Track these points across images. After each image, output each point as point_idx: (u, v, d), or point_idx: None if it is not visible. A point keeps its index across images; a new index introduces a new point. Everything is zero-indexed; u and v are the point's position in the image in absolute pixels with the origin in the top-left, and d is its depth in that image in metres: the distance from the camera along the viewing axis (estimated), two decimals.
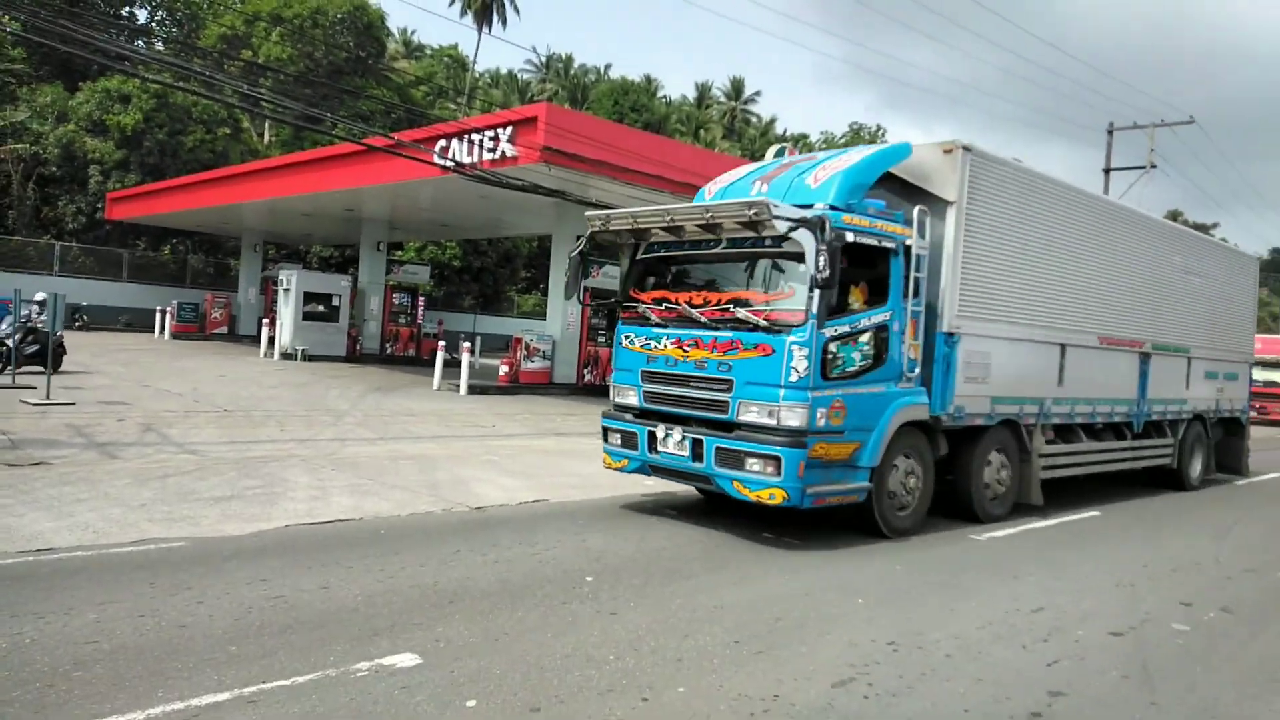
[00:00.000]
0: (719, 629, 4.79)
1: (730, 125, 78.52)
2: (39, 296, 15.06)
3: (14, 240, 32.59)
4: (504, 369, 19.74)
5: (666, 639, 4.57)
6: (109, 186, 32.47)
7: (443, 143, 17.23)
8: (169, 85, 30.50)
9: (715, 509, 8.51)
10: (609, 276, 21.22)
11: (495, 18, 49.93)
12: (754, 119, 79.56)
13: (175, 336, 29.99)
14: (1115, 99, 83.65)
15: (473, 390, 18.62)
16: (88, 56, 23.58)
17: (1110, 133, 28.61)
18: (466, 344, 19.11)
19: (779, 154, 19.63)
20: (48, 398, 12.29)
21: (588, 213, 8.74)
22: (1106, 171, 28.62)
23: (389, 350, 27.40)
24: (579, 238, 21.05)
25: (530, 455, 11.52)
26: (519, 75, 78.03)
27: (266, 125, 42.35)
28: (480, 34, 48.80)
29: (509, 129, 15.89)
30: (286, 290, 24.82)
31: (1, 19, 33.25)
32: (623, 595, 5.35)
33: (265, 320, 25.61)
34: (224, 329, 32.09)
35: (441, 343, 20.29)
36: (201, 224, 33.08)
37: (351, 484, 8.57)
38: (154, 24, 43.69)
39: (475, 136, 16.50)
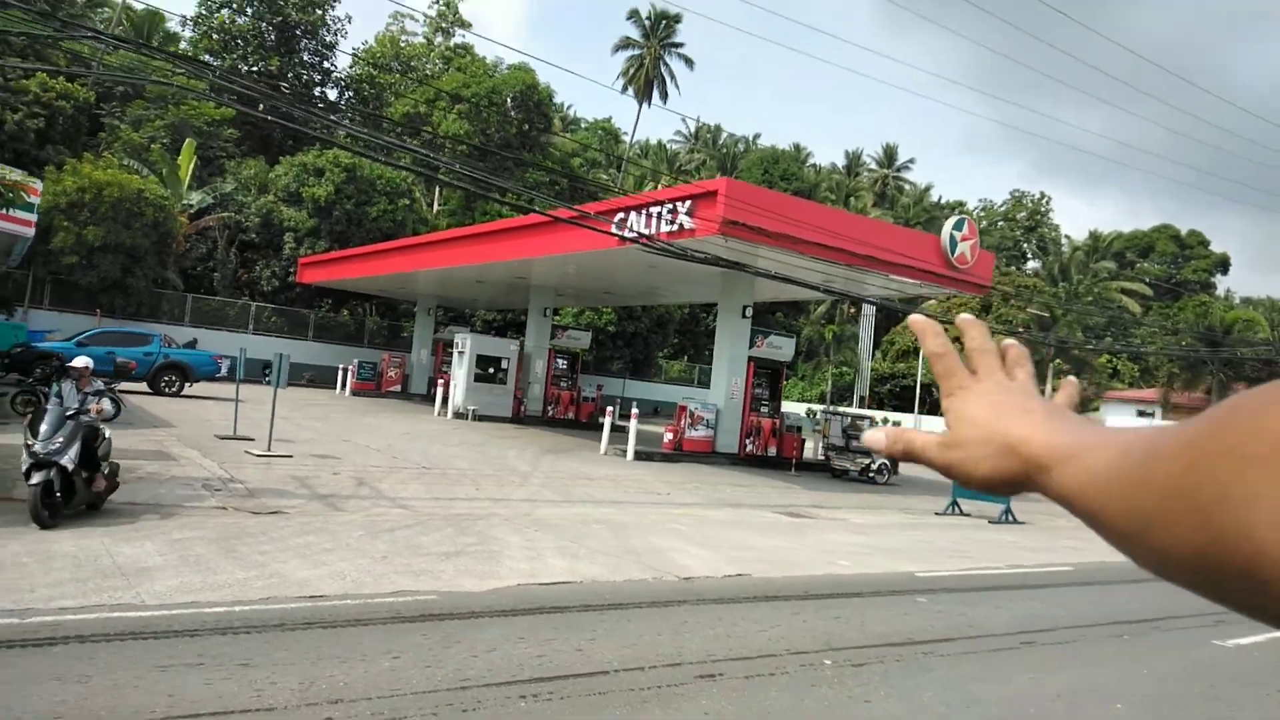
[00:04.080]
0: None
1: (882, 193, 77.82)
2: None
3: (214, 300, 35.88)
4: (668, 436, 19.97)
5: None
6: (301, 252, 35.39)
7: (621, 215, 17.95)
8: (359, 153, 33.25)
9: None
10: (773, 347, 21.26)
11: (655, 93, 51.78)
12: (907, 186, 78.54)
13: (355, 393, 31.98)
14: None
15: (638, 456, 18.92)
16: (298, 129, 25.92)
17: None
18: (635, 410, 19.49)
19: (958, 226, 19.32)
20: (269, 449, 13.38)
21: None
22: None
23: (550, 413, 28.24)
24: (745, 308, 21.20)
25: (711, 526, 11.57)
26: (668, 145, 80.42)
27: (436, 196, 45.28)
28: (640, 109, 50.65)
29: (688, 203, 16.39)
30: (461, 353, 26.12)
31: (222, 103, 37.32)
32: (868, 682, 5.29)
33: (439, 380, 27.00)
34: (398, 387, 33.99)
35: (610, 409, 20.77)
36: (381, 288, 35.43)
37: (558, 546, 8.87)
38: (343, 103, 47.84)
39: (655, 209, 17.10)
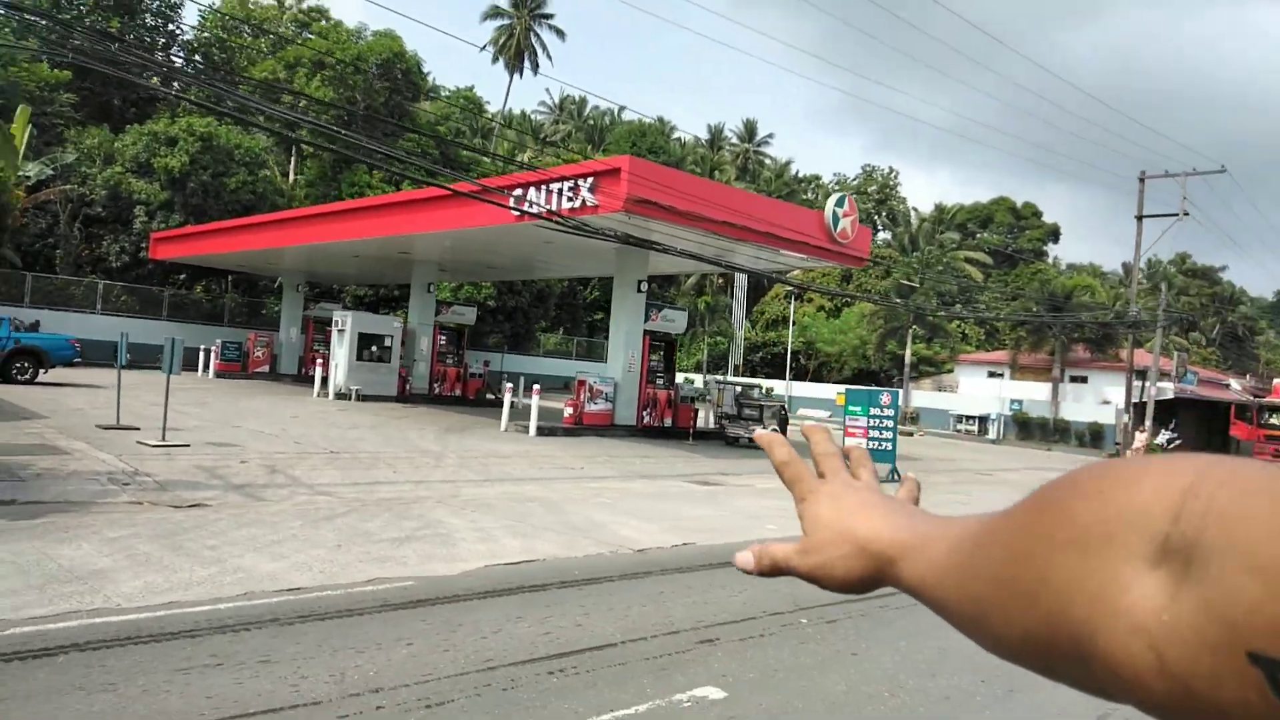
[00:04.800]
0: (958, 669, 5.17)
1: (744, 166, 79.72)
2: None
3: (59, 279, 33.12)
4: (568, 410, 20.13)
5: (920, 680, 4.96)
6: (153, 226, 33.10)
7: (520, 190, 17.85)
8: (213, 111, 31.32)
9: None
10: (667, 320, 21.72)
11: (527, 64, 51.03)
12: (767, 160, 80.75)
13: (219, 375, 30.41)
14: (1115, 140, 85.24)
15: (540, 431, 19.01)
16: (144, 85, 24.25)
17: (1142, 180, 29.39)
18: (537, 387, 19.53)
19: (839, 203, 20.22)
20: (164, 439, 12.68)
21: None
22: (1139, 219, 29.34)
23: (437, 390, 27.80)
24: (640, 282, 21.52)
25: (634, 499, 11.90)
26: (532, 116, 79.44)
27: (291, 165, 43.20)
28: (511, 80, 49.84)
29: (590, 179, 16.50)
30: (341, 331, 25.29)
31: (57, 66, 34.19)
32: (847, 637, 5.73)
33: (319, 360, 26.08)
34: (265, 368, 32.53)
35: (509, 385, 20.71)
36: (243, 264, 33.68)
37: (504, 526, 8.96)
38: (190, 68, 44.74)
39: (556, 185, 17.10)
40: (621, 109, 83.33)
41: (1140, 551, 0.36)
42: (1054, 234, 78.97)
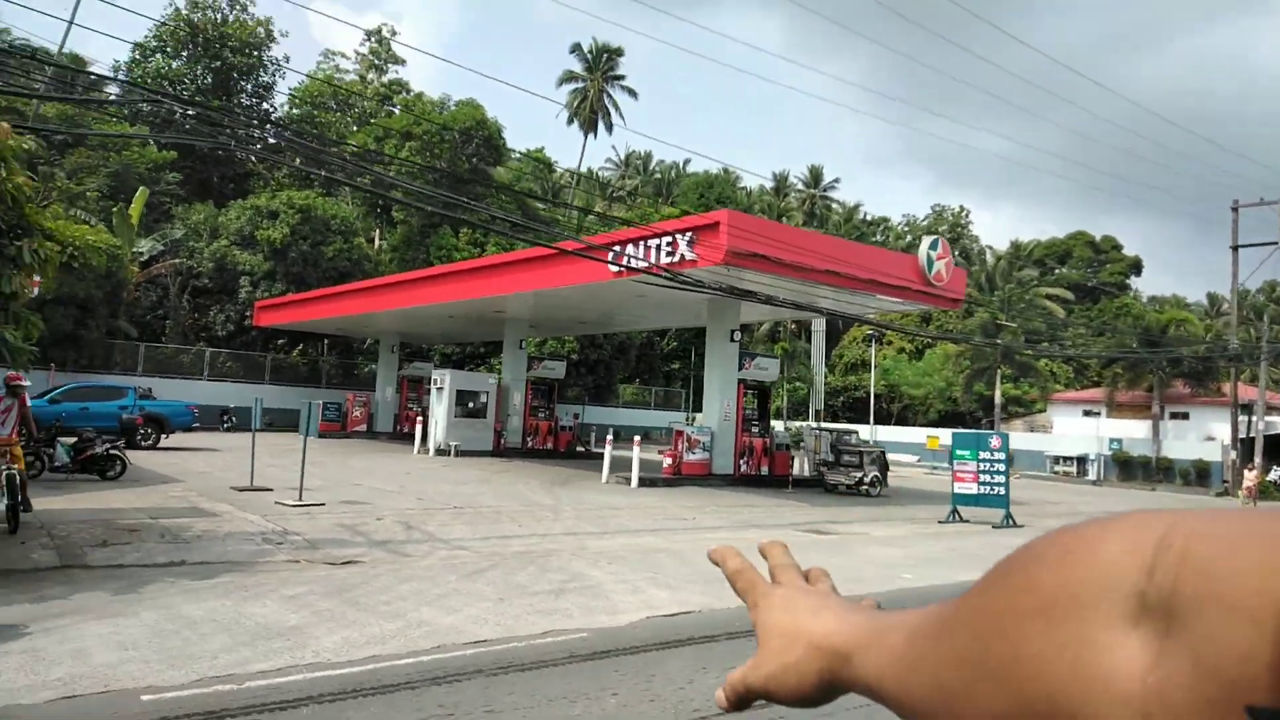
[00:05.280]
0: None
1: (811, 211, 79.93)
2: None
3: (168, 348, 34.89)
4: (667, 461, 20.32)
5: None
6: (257, 295, 34.73)
7: (618, 247, 18.33)
8: (313, 171, 32.87)
9: None
10: (760, 368, 21.84)
11: (600, 124, 52.48)
12: (835, 205, 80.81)
13: (321, 435, 31.45)
14: (1192, 167, 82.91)
15: (641, 483, 19.20)
16: (248, 154, 25.64)
17: (1235, 210, 28.63)
18: (638, 439, 19.80)
19: (933, 246, 20.21)
20: (300, 499, 13.26)
21: None
22: (1235, 249, 28.52)
23: (530, 444, 28.30)
24: (733, 332, 21.76)
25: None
26: (599, 173, 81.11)
27: (377, 233, 44.91)
28: (586, 140, 51.26)
29: (689, 234, 16.88)
30: (440, 389, 26.05)
31: (165, 148, 36.52)
32: None
33: (406, 418, 26.89)
34: (362, 426, 33.55)
35: (609, 437, 21.03)
36: (341, 328, 35.00)
37: (646, 578, 9.14)
38: (284, 146, 47.18)
39: (654, 241, 17.54)
40: (687, 162, 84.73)
41: (1116, 612, 0.34)
42: (1136, 267, 76.81)
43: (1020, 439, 38.41)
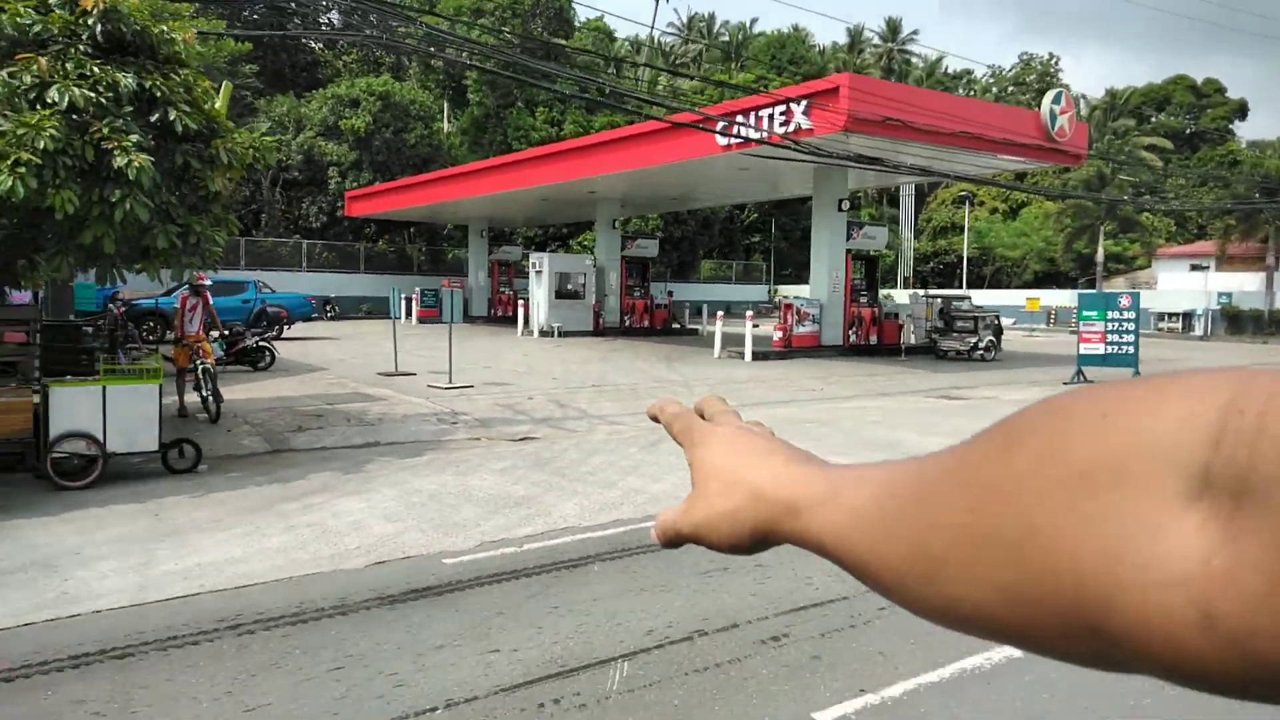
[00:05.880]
0: None
1: (889, 67, 76.26)
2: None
3: (267, 241, 35.87)
4: (778, 334, 20.48)
5: None
6: (346, 185, 35.18)
7: (726, 120, 17.97)
8: (396, 47, 32.62)
9: None
10: (868, 237, 21.54)
11: None
12: (914, 59, 76.85)
13: (420, 321, 32.35)
14: None
15: (755, 356, 19.45)
16: (319, 37, 25.56)
17: None
18: (750, 313, 19.94)
19: (1056, 100, 19.32)
20: (451, 382, 13.87)
21: None
22: None
23: (627, 323, 28.69)
24: (841, 201, 21.35)
25: (899, 415, 12.19)
26: (659, 40, 78.12)
27: (445, 116, 44.50)
28: (657, 7, 49.30)
29: (803, 102, 16.44)
30: (539, 273, 26.40)
31: (239, 41, 36.42)
32: None
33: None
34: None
35: (720, 313, 21.23)
36: (431, 215, 35.37)
37: (827, 447, 9.45)
38: (355, 22, 46.52)
39: (766, 111, 17.15)
40: (754, 21, 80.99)
41: (1170, 487, 0.30)
42: (1240, 110, 71.87)
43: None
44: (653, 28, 41.02)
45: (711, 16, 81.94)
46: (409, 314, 32.40)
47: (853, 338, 21.43)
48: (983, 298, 40.95)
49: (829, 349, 20.84)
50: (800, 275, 56.86)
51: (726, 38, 77.67)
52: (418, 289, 33.54)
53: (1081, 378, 16.73)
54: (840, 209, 20.64)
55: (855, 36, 79.53)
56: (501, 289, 34.46)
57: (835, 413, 12.18)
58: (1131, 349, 16.39)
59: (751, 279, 51.13)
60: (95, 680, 3.65)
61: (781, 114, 16.85)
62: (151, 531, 6.00)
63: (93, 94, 6.86)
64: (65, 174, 6.66)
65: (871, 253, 22.09)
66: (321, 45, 45.52)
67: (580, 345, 22.98)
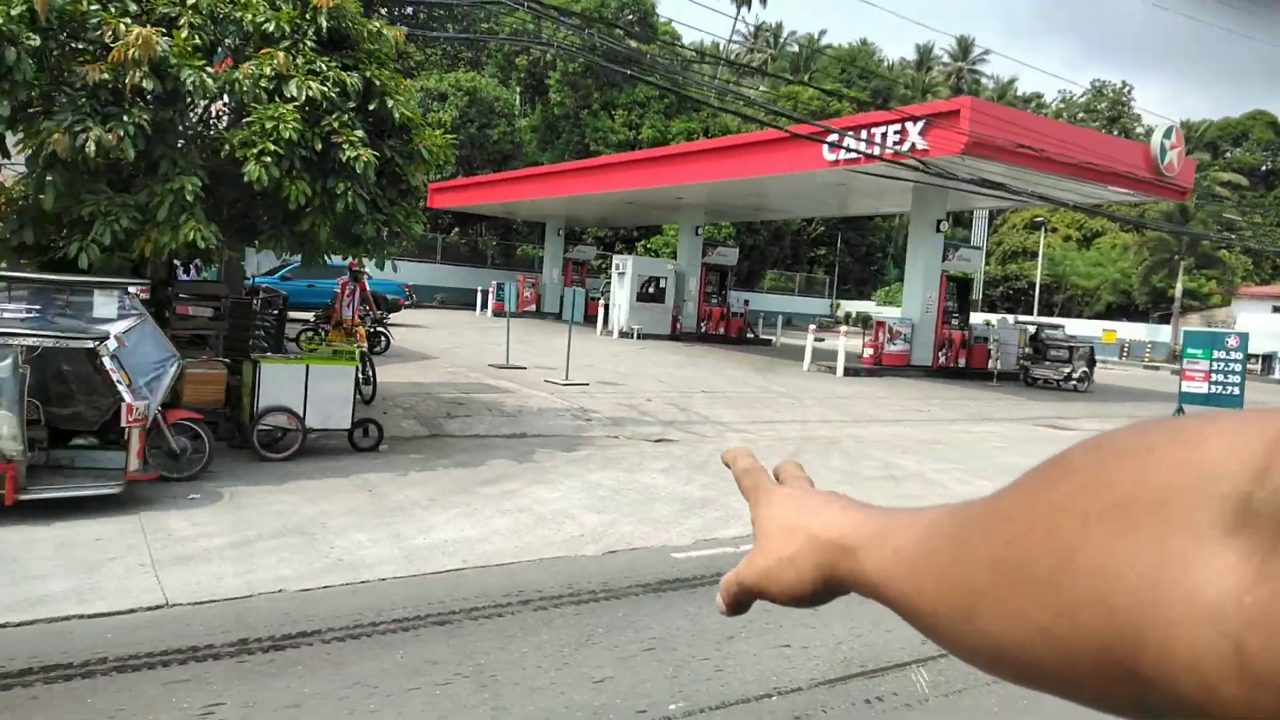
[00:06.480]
0: None
1: (958, 86, 75.71)
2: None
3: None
4: (868, 351, 20.56)
5: None
6: (429, 177, 35.84)
7: (835, 136, 18.12)
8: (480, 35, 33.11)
9: None
10: (962, 259, 21.53)
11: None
12: (984, 80, 76.18)
13: (495, 314, 32.87)
14: None
15: (846, 372, 19.55)
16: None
17: None
18: (844, 330, 20.03)
19: (1167, 134, 19.20)
20: (567, 378, 14.19)
21: None
22: None
23: (704, 329, 28.91)
24: (940, 222, 21.32)
25: (1024, 443, 12.25)
26: (725, 48, 78.21)
27: (517, 114, 45.03)
28: (739, 13, 49.55)
29: (920, 122, 16.53)
30: (622, 274, 26.73)
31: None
32: None
33: (602, 302, 27.84)
34: (532, 307, 34.79)
35: (812, 326, 21.36)
36: (510, 210, 35.91)
37: (953, 468, 9.60)
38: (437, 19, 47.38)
39: (879, 129, 17.27)
40: (822, 33, 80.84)
41: (1210, 520, 0.29)
42: None
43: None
44: (730, 40, 41.05)
45: (779, 26, 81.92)
46: (485, 306, 32.96)
47: (941, 359, 21.42)
48: (1070, 325, 40.55)
49: (918, 369, 20.85)
50: (861, 291, 56.66)
51: (796, 49, 77.61)
52: (494, 282, 34.08)
53: (1182, 414, 16.63)
54: (938, 229, 20.66)
55: (924, 54, 79.07)
56: (582, 287, 34.95)
57: (953, 435, 12.28)
58: (1237, 390, 16.25)
59: (814, 292, 51.08)
60: (433, 643, 3.95)
61: (896, 132, 16.96)
62: (376, 505, 6.34)
63: (324, 88, 7.25)
64: (300, 165, 7.05)
65: (965, 275, 22.06)
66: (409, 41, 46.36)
67: (663, 348, 23.23)
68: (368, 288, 11.77)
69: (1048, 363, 20.40)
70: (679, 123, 41.52)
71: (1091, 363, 20.60)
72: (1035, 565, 0.34)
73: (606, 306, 27.42)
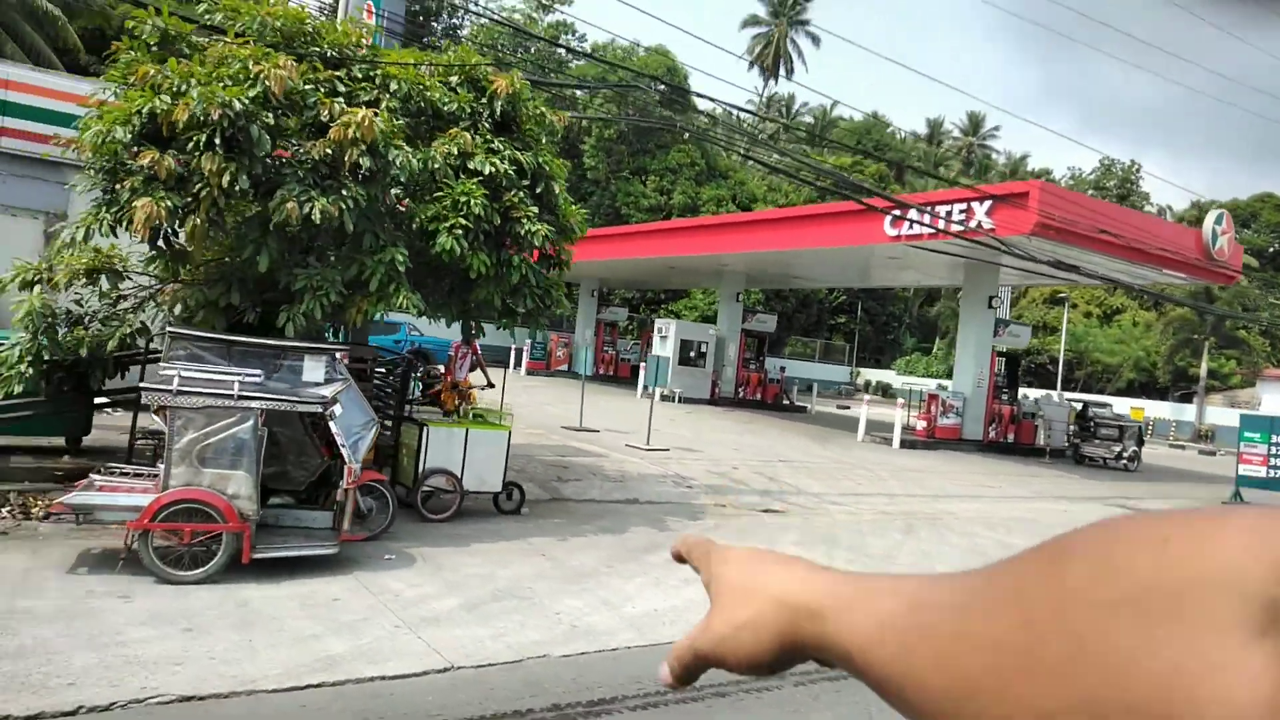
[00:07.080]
0: None
1: (968, 160, 77.38)
2: None
3: None
4: (921, 424, 20.82)
5: None
6: None
7: (897, 211, 18.64)
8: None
9: None
10: (1012, 335, 21.94)
11: (782, 70, 52.04)
12: (995, 155, 77.88)
13: (530, 373, 33.17)
14: None
15: (902, 444, 19.76)
16: None
17: None
18: (901, 402, 20.30)
19: (1218, 220, 19.74)
20: (648, 442, 14.40)
21: None
22: None
23: (741, 394, 29.19)
24: (991, 298, 21.68)
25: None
26: (736, 115, 79.73)
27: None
28: (766, 85, 50.95)
29: (987, 202, 17.07)
30: (664, 337, 27.12)
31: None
32: None
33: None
34: (564, 366, 35.11)
35: (865, 398, 21.59)
36: None
37: None
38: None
39: (945, 208, 17.80)
40: (833, 105, 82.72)
41: (1233, 618, 0.28)
42: None
43: (1222, 415, 37.20)
44: (757, 114, 42.28)
45: (791, 98, 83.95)
46: (519, 364, 33.27)
47: (991, 434, 21.68)
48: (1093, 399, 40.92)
49: (969, 443, 21.08)
50: (878, 360, 57.13)
51: (810, 120, 79.38)
52: (528, 341, 34.45)
53: (1239, 499, 16.81)
54: (990, 305, 21.10)
55: (935, 128, 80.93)
56: (605, 348, 35.27)
57: (1036, 512, 12.48)
58: None
59: (832, 359, 51.51)
60: (721, 715, 4.12)
61: (961, 211, 17.49)
62: (559, 571, 6.52)
63: (504, 166, 7.63)
64: (483, 238, 7.40)
65: (1015, 350, 22.42)
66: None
67: (707, 413, 23.47)
68: (479, 351, 12.00)
69: (1098, 441, 20.65)
70: (709, 190, 42.44)
71: (1140, 442, 20.86)
72: (1044, 651, 0.33)
73: (636, 368, 27.73)
